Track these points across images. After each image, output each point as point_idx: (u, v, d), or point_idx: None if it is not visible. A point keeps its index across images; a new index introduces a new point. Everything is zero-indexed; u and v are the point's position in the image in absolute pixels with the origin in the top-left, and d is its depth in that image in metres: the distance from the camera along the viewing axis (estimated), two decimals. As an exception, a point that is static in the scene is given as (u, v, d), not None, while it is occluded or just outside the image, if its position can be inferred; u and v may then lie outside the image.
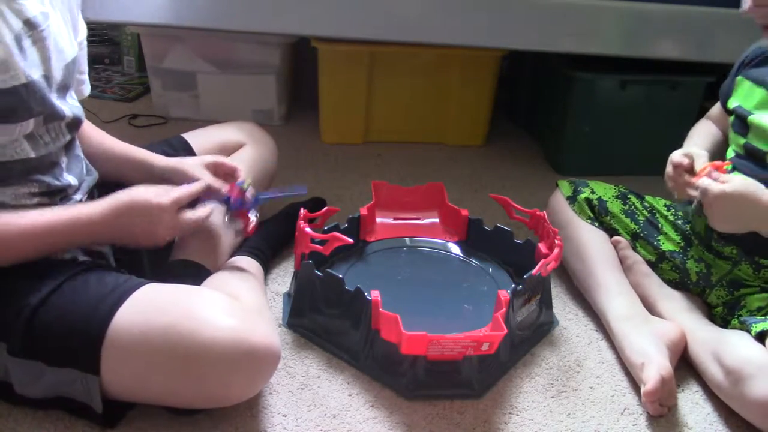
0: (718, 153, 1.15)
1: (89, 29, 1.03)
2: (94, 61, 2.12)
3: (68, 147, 0.96)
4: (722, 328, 1.05)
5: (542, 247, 1.13)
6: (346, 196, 1.39)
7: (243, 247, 1.17)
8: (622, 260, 1.18)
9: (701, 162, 1.04)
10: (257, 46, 1.74)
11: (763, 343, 0.93)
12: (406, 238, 1.27)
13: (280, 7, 1.48)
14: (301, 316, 1.08)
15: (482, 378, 0.98)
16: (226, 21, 1.52)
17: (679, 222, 1.19)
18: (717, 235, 1.09)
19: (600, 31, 1.49)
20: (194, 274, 1.04)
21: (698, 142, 1.16)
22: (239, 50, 1.77)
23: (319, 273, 1.02)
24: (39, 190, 0.90)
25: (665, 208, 1.22)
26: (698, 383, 1.03)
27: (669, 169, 1.06)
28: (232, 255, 1.15)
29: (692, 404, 0.99)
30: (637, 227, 1.20)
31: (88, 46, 1.06)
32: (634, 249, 1.19)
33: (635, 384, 1.02)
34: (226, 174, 1.08)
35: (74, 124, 0.96)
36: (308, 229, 1.05)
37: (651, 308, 1.12)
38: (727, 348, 0.96)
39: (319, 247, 1.02)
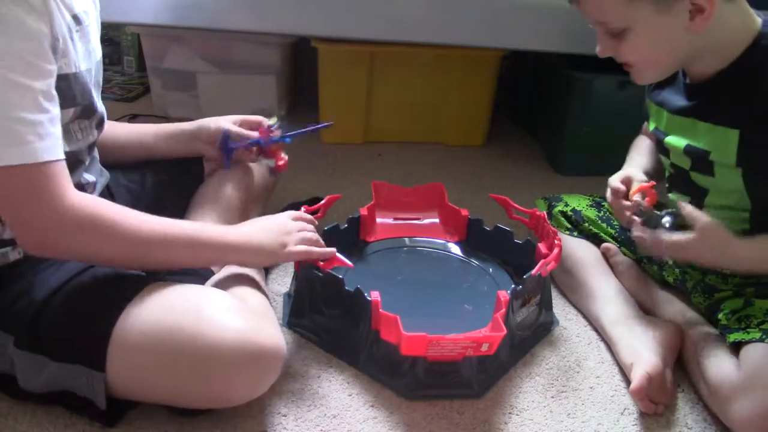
0: (658, 169, 1.14)
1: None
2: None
3: (91, 146, 0.98)
4: (714, 331, 1.03)
5: (542, 247, 1.13)
6: (346, 196, 1.39)
7: None
8: (614, 266, 1.18)
9: (636, 186, 1.04)
10: (257, 46, 1.74)
11: (737, 353, 0.93)
12: (406, 239, 1.27)
13: (280, 7, 1.48)
14: (301, 317, 1.08)
15: (482, 378, 0.98)
16: (226, 21, 1.52)
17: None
18: None
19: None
20: (198, 272, 1.04)
21: (638, 161, 1.16)
22: (239, 50, 1.77)
23: (319, 273, 1.02)
24: None
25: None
26: (698, 383, 1.03)
27: (608, 194, 1.07)
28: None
29: (692, 404, 0.99)
30: (614, 231, 1.20)
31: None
32: None
33: (635, 384, 1.02)
34: (251, 127, 1.18)
35: (101, 122, 0.98)
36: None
37: (648, 311, 1.12)
38: (709, 366, 0.96)
39: (320, 263, 1.02)
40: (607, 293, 1.12)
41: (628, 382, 1.02)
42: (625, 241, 1.19)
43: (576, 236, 1.21)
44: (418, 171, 1.66)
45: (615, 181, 1.07)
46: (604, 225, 1.21)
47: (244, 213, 1.17)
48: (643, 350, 1.00)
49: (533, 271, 1.02)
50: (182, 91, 1.82)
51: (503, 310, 0.95)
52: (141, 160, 1.15)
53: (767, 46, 0.91)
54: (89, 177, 0.97)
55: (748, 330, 0.94)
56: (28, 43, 0.75)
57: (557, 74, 1.68)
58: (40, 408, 0.89)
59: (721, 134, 0.96)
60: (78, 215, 0.79)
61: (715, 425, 0.96)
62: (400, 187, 1.31)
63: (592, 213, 1.23)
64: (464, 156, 1.76)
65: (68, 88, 0.85)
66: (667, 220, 0.96)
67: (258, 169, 1.24)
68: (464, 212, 1.25)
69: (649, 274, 1.19)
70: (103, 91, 1.70)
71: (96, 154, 1.02)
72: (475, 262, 1.23)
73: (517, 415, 0.96)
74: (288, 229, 1.00)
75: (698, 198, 1.04)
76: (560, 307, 1.18)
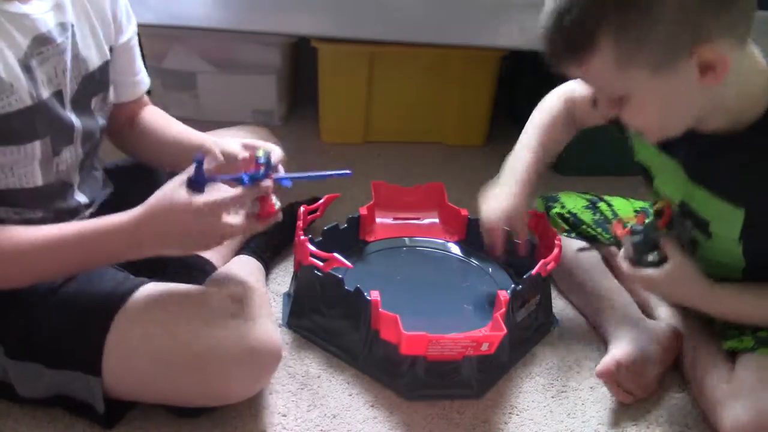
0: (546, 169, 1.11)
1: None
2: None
3: (82, 165, 0.93)
4: (712, 335, 1.03)
5: (542, 247, 1.13)
6: (346, 196, 1.39)
7: (244, 246, 1.17)
8: (615, 268, 1.17)
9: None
10: (257, 46, 1.74)
11: (733, 359, 0.93)
12: (406, 238, 1.27)
13: (280, 7, 1.48)
14: (301, 317, 1.08)
15: (482, 378, 0.98)
16: (226, 21, 1.52)
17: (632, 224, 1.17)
18: None
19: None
20: (202, 268, 1.04)
21: (525, 172, 1.08)
22: (239, 50, 1.76)
23: (319, 273, 1.02)
24: (44, 215, 0.87)
25: (635, 218, 1.19)
26: (698, 383, 1.03)
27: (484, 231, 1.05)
28: (239, 247, 1.16)
29: (693, 404, 0.99)
30: (609, 236, 1.18)
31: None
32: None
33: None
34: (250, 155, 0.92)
35: (88, 139, 0.91)
36: (310, 246, 1.04)
37: (648, 313, 1.11)
38: (704, 372, 0.96)
39: (319, 263, 1.01)
40: (606, 294, 1.12)
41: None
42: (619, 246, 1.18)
43: (574, 237, 1.21)
44: (418, 171, 1.66)
45: (491, 221, 1.03)
46: (600, 229, 1.19)
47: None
48: (623, 342, 1.00)
49: (533, 271, 1.02)
50: (182, 91, 1.82)
51: (503, 309, 0.95)
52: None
53: None
54: (82, 198, 0.94)
55: (742, 338, 0.94)
56: None
57: (557, 74, 1.68)
58: (40, 409, 0.89)
59: (724, 209, 0.88)
60: None
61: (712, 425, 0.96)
62: (399, 187, 1.31)
63: (587, 216, 1.21)
64: (464, 156, 1.76)
65: (23, 124, 0.78)
66: (650, 257, 0.93)
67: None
68: (464, 212, 1.25)
69: None
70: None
71: (94, 170, 0.98)
72: (474, 261, 1.23)
73: (517, 415, 0.96)
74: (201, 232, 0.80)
75: (691, 247, 0.99)
76: (560, 307, 1.18)
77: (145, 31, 1.75)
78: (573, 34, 0.76)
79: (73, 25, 0.85)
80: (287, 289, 1.17)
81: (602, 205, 1.22)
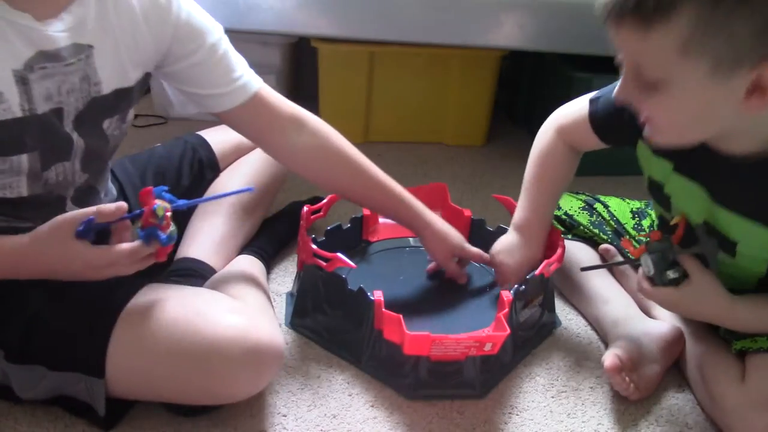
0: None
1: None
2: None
3: (82, 180, 0.91)
4: (715, 335, 1.02)
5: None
6: (347, 196, 1.39)
7: (246, 246, 1.17)
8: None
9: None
10: (257, 46, 1.74)
11: (743, 360, 0.92)
12: (410, 239, 1.26)
13: (280, 7, 1.48)
14: (304, 316, 1.08)
15: (485, 378, 0.98)
16: (226, 21, 1.51)
17: (644, 240, 1.16)
18: None
19: (600, 31, 1.49)
20: (202, 273, 1.04)
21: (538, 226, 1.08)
22: (239, 50, 1.75)
23: (322, 273, 1.02)
24: (34, 225, 0.80)
25: (631, 219, 1.19)
26: (699, 384, 1.03)
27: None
28: (241, 247, 1.16)
29: (693, 404, 0.99)
30: (606, 238, 1.18)
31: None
32: None
33: (636, 384, 1.02)
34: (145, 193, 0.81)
35: (92, 158, 0.89)
36: (314, 246, 1.04)
37: (648, 313, 1.11)
38: (712, 374, 0.95)
39: (322, 263, 1.01)
40: (606, 294, 1.12)
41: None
42: (617, 248, 1.18)
43: (571, 239, 1.20)
44: (418, 171, 1.66)
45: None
46: (597, 230, 1.19)
47: (253, 211, 1.17)
48: (622, 339, 0.99)
49: (536, 272, 1.02)
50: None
51: (506, 310, 0.95)
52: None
53: None
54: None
55: (755, 338, 0.92)
56: None
57: (557, 74, 1.68)
58: (40, 409, 0.89)
59: (755, 231, 0.85)
60: None
61: (716, 425, 0.96)
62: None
63: (584, 218, 1.20)
64: (464, 156, 1.76)
65: (9, 135, 0.77)
66: (670, 274, 0.90)
67: (264, 168, 1.21)
68: (467, 212, 1.25)
69: None
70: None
71: (99, 181, 0.96)
72: (476, 262, 1.23)
73: (518, 415, 0.96)
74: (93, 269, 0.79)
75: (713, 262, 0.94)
76: (561, 307, 1.18)
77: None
78: None
79: (92, 47, 0.81)
80: (289, 289, 1.17)
81: (598, 206, 1.22)
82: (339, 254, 1.02)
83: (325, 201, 1.18)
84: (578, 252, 1.18)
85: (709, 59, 0.69)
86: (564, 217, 1.22)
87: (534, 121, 1.92)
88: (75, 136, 0.85)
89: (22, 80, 0.76)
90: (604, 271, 1.16)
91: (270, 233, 1.23)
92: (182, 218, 1.11)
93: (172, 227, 0.80)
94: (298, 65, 1.94)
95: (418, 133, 1.80)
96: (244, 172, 1.19)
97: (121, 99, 0.89)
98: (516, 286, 1.01)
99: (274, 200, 1.29)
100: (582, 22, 1.47)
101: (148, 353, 0.82)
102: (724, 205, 0.86)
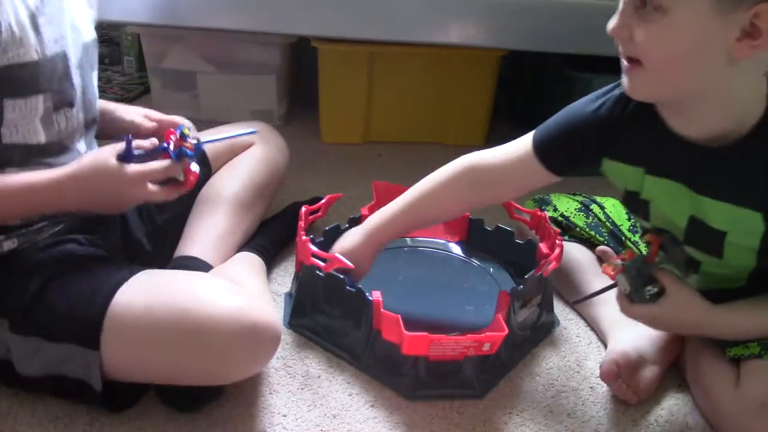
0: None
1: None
2: (93, 60, 2.12)
3: (88, 136, 0.98)
4: (707, 341, 1.00)
5: (543, 247, 1.13)
6: (347, 196, 1.39)
7: (247, 245, 1.17)
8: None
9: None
10: (257, 46, 1.74)
11: (738, 365, 0.91)
12: (407, 239, 1.27)
13: (280, 7, 1.48)
14: (303, 317, 1.08)
15: (483, 378, 0.98)
16: (226, 21, 1.52)
17: (640, 242, 1.15)
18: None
19: (600, 31, 1.49)
20: (200, 270, 1.04)
21: (375, 231, 1.05)
22: (239, 50, 1.76)
23: (321, 273, 1.02)
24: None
25: (627, 220, 1.19)
26: (698, 383, 1.03)
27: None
28: (241, 245, 1.17)
29: (692, 404, 0.99)
30: (603, 240, 1.18)
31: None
32: None
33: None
34: (166, 128, 0.99)
35: (89, 112, 0.97)
36: (312, 246, 1.04)
37: None
38: (708, 377, 0.95)
39: (321, 264, 1.01)
40: (604, 295, 1.11)
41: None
42: (613, 249, 1.18)
43: (568, 240, 1.19)
44: (418, 171, 1.65)
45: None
46: (593, 233, 1.18)
47: (251, 208, 1.17)
48: (620, 342, 0.99)
49: (534, 272, 1.02)
50: (182, 91, 1.82)
51: (505, 310, 0.95)
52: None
53: None
54: None
55: (747, 344, 0.91)
56: None
57: (557, 74, 1.68)
58: (40, 407, 0.89)
59: (742, 215, 0.84)
60: None
61: (714, 427, 0.96)
62: (401, 187, 1.30)
63: (580, 220, 1.20)
64: (464, 156, 1.76)
65: (29, 77, 0.84)
66: (648, 290, 0.90)
67: (258, 167, 1.22)
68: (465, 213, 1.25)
69: None
70: (103, 91, 1.69)
71: (93, 144, 1.02)
72: (476, 262, 1.23)
73: (518, 415, 0.96)
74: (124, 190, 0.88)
75: (688, 267, 0.97)
76: (560, 307, 1.18)
77: (145, 31, 1.77)
78: None
79: None
80: (288, 289, 1.17)
81: (594, 207, 1.21)
82: (337, 254, 1.02)
83: (323, 201, 1.18)
84: (576, 253, 1.17)
85: None
86: (560, 218, 1.22)
87: (534, 121, 1.94)
88: (78, 81, 0.93)
89: (35, 26, 0.85)
90: (599, 271, 1.15)
91: (270, 233, 1.23)
92: (181, 216, 1.11)
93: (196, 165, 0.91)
94: (298, 65, 1.94)
95: (418, 133, 1.80)
96: (238, 173, 1.19)
97: (96, 49, 0.99)
98: (514, 286, 1.01)
99: (273, 200, 1.29)
100: (582, 22, 1.48)
101: (144, 329, 0.83)
102: (708, 194, 0.85)
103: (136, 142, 0.88)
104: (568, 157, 0.96)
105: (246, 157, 1.21)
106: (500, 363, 1.01)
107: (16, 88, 0.84)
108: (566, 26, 1.48)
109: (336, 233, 1.17)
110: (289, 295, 1.15)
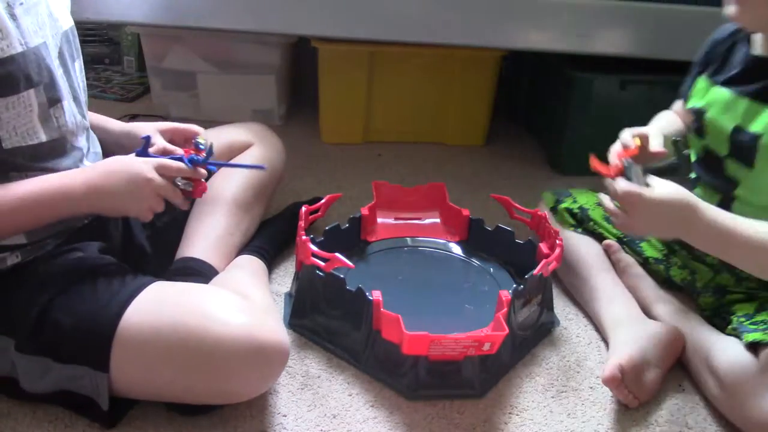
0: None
1: (89, 29, 1.02)
2: (93, 61, 2.11)
3: (88, 134, 0.98)
4: (716, 332, 1.02)
5: (543, 247, 1.13)
6: (346, 196, 1.39)
7: (248, 246, 1.17)
8: (615, 263, 1.18)
9: (655, 143, 0.94)
10: (257, 46, 1.74)
11: (756, 353, 0.91)
12: (408, 238, 1.27)
13: (280, 7, 1.48)
14: (303, 317, 1.08)
15: (484, 378, 0.98)
16: (226, 21, 1.52)
17: (654, 242, 1.16)
18: None
19: (600, 31, 1.49)
20: (202, 271, 1.04)
21: (659, 125, 1.10)
22: (239, 50, 1.76)
23: (321, 273, 1.02)
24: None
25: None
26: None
27: (613, 148, 0.99)
28: (242, 247, 1.16)
29: (693, 404, 0.99)
30: (618, 232, 1.18)
31: (88, 46, 1.06)
32: None
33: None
34: (186, 140, 1.03)
35: (78, 104, 0.95)
36: (312, 246, 1.04)
37: (646, 311, 1.11)
38: (719, 360, 0.94)
39: (321, 263, 1.01)
40: (609, 293, 1.12)
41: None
42: (629, 242, 1.19)
43: (581, 233, 1.20)
44: (418, 171, 1.66)
45: (627, 136, 0.97)
46: (610, 226, 1.19)
47: (250, 209, 1.17)
48: (625, 345, 0.99)
49: (534, 271, 1.02)
50: (182, 91, 1.82)
51: (505, 309, 0.95)
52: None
53: None
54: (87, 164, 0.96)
55: (766, 330, 0.92)
56: None
57: (557, 74, 1.68)
58: (40, 409, 0.89)
59: None
60: None
61: (716, 425, 0.96)
62: (401, 187, 1.31)
63: (598, 213, 1.21)
64: (464, 156, 1.76)
65: (18, 70, 0.82)
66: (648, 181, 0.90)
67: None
68: (465, 212, 1.25)
69: (653, 274, 1.17)
70: (103, 91, 1.69)
71: (93, 141, 1.01)
72: (476, 262, 1.23)
73: (518, 415, 0.96)
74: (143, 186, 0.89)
75: (726, 190, 1.01)
76: (560, 307, 1.18)
77: (145, 31, 1.77)
78: None
79: None
80: (288, 289, 1.17)
81: (614, 203, 1.22)
82: (337, 254, 1.02)
83: (323, 201, 1.18)
84: (584, 246, 1.18)
85: None
86: (577, 210, 1.23)
87: (534, 121, 1.94)
88: (60, 72, 0.91)
89: (12, 16, 0.82)
90: (608, 268, 1.16)
91: (270, 233, 1.23)
92: (180, 220, 1.11)
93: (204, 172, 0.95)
94: (298, 65, 1.94)
95: (418, 133, 1.81)
96: (237, 174, 1.18)
97: (75, 40, 0.97)
98: (515, 285, 1.01)
99: (272, 200, 1.29)
100: (582, 22, 1.48)
101: (153, 350, 0.82)
102: (762, 100, 0.96)
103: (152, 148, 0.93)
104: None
105: (244, 158, 1.21)
106: (500, 363, 1.01)
107: (6, 84, 0.82)
108: (566, 26, 1.48)
109: (336, 233, 1.17)
110: (289, 295, 1.15)
